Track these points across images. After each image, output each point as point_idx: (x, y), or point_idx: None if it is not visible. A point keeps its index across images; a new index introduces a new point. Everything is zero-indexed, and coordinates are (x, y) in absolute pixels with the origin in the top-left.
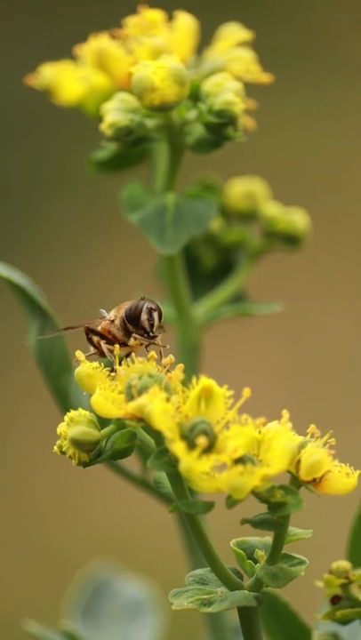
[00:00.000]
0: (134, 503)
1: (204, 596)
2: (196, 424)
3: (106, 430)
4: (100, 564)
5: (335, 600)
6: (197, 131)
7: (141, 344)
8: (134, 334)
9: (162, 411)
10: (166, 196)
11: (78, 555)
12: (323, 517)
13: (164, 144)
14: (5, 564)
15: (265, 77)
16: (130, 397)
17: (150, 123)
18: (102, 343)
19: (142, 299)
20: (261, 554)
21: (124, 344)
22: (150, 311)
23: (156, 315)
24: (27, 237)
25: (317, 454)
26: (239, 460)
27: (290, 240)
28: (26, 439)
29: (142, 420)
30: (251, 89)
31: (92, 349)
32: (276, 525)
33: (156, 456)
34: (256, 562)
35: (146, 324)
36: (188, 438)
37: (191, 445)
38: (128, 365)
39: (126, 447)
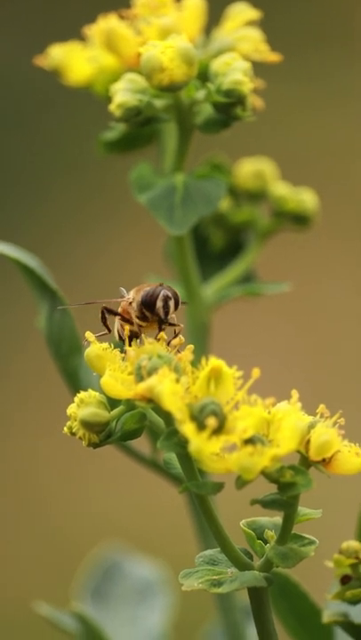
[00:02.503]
0: (143, 485)
1: (214, 577)
2: (206, 405)
3: (116, 411)
4: (110, 547)
5: (345, 580)
6: (206, 111)
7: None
8: (150, 320)
9: (171, 391)
10: (175, 176)
11: (87, 538)
12: (333, 497)
13: (172, 124)
14: (15, 548)
15: (273, 57)
16: (140, 378)
17: (159, 103)
18: (119, 321)
19: (160, 285)
20: (271, 534)
21: (140, 326)
22: (166, 299)
23: (171, 303)
24: (34, 221)
25: (327, 434)
26: (249, 441)
27: (299, 220)
28: (33, 423)
29: (152, 401)
30: (260, 71)
31: (105, 329)
32: (285, 505)
33: (165, 437)
34: (266, 542)
35: (161, 312)
36: (198, 419)
37: (201, 426)
38: (138, 347)
39: (136, 428)
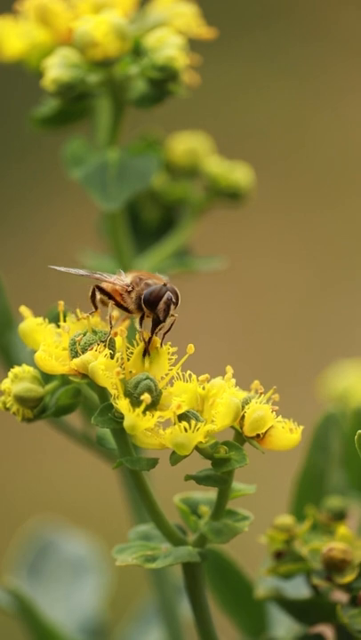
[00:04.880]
0: (77, 460)
1: (148, 552)
2: (140, 380)
3: (50, 386)
4: (44, 522)
5: (278, 555)
6: (140, 86)
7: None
8: (148, 315)
9: (106, 367)
10: (109, 152)
11: (20, 513)
12: (267, 473)
13: (106, 100)
14: None
15: (208, 33)
16: (74, 354)
17: (92, 78)
18: (111, 304)
19: (165, 285)
20: (205, 510)
21: (129, 312)
22: (169, 302)
23: (173, 306)
24: None
25: (261, 410)
26: (183, 417)
27: (233, 196)
28: None
29: (86, 377)
30: (202, 49)
31: (90, 308)
32: (219, 481)
33: (100, 412)
34: (200, 518)
35: (161, 314)
36: (133, 395)
37: (135, 402)
38: (73, 322)
39: (70, 403)
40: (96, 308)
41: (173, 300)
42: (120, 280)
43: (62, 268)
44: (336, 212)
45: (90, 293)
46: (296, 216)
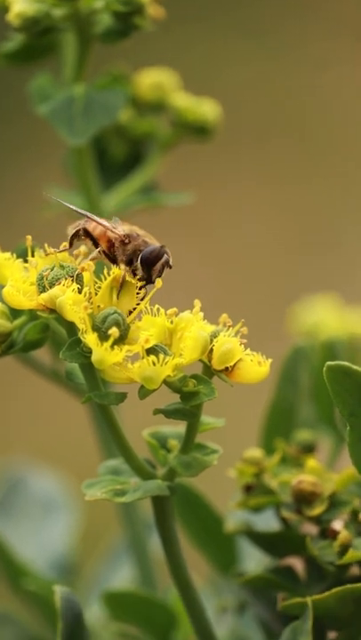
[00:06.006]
0: (46, 396)
1: (118, 487)
2: (108, 314)
3: (18, 322)
4: (14, 458)
5: (248, 489)
6: (105, 20)
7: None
8: (137, 273)
9: (73, 302)
10: (75, 87)
11: None
12: (235, 407)
13: (72, 35)
14: None
15: None
16: (42, 289)
17: (57, 12)
18: (101, 253)
19: (162, 247)
20: (174, 444)
21: (114, 262)
22: (165, 265)
23: (167, 269)
24: None
25: (229, 343)
26: (151, 351)
27: (199, 131)
28: None
29: (54, 312)
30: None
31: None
32: (188, 415)
33: (68, 347)
34: (169, 452)
35: (154, 274)
36: (101, 329)
37: (103, 336)
38: (41, 256)
39: (39, 338)
40: (71, 245)
41: (170, 263)
42: (117, 229)
43: (64, 202)
44: (313, 169)
45: (73, 231)
46: (274, 175)
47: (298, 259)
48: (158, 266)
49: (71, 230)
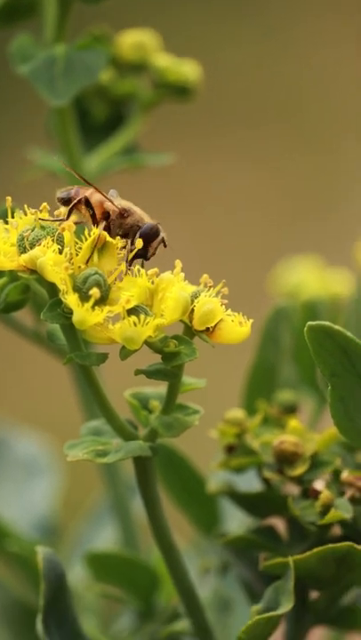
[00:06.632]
0: (28, 358)
1: (99, 447)
2: (89, 275)
3: None
4: None
5: (230, 449)
6: None
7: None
8: (133, 247)
9: (54, 262)
10: (56, 47)
11: None
12: (217, 368)
13: None
14: None
15: None
16: (22, 249)
17: None
18: (94, 222)
19: (159, 224)
20: (156, 404)
21: (109, 232)
22: (161, 242)
23: (162, 247)
24: None
25: (210, 303)
26: (132, 311)
27: (180, 91)
28: None
29: (35, 272)
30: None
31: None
32: (169, 375)
33: (49, 308)
34: (151, 412)
35: (151, 250)
36: (81, 290)
37: (84, 297)
38: (21, 218)
39: (20, 299)
40: (70, 215)
41: (166, 241)
42: (117, 202)
43: (68, 167)
44: (304, 146)
45: (72, 199)
46: (267, 154)
47: (282, 229)
48: (155, 242)
49: (62, 195)
